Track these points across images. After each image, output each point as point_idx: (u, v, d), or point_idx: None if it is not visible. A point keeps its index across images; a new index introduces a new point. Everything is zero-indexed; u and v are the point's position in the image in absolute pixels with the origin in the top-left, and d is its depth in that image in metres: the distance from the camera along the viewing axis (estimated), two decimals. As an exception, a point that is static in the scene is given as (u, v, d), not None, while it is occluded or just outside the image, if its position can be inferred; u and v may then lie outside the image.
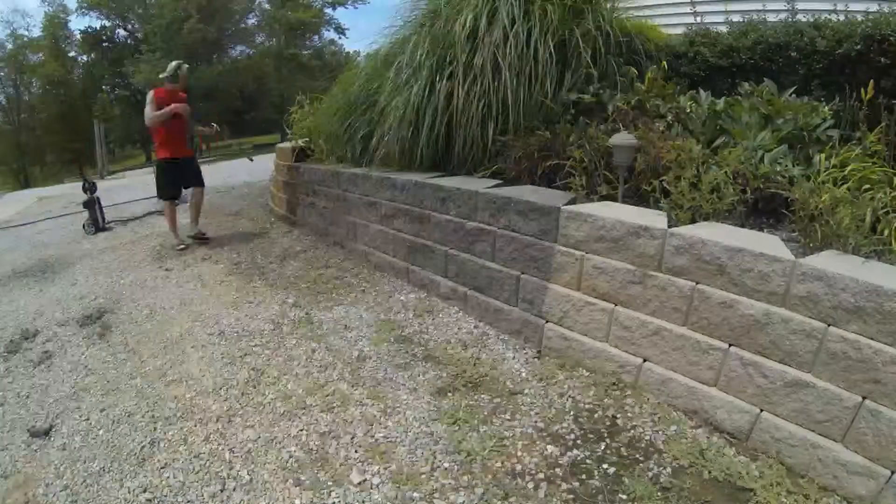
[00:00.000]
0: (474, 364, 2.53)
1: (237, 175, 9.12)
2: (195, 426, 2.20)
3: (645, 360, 2.22)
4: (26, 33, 28.39)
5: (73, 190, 7.95)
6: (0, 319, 3.51)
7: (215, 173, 11.13)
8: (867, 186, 2.09)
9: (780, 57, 3.22)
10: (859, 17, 3.19)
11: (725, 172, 2.25)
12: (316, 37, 29.77)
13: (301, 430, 2.11)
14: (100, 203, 5.86)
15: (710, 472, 1.78)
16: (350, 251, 4.17)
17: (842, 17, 3.35)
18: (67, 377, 2.69)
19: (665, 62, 3.29)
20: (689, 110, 2.85)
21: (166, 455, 2.03)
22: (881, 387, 1.58)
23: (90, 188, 5.77)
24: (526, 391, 2.30)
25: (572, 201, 2.53)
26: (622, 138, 2.56)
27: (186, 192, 4.96)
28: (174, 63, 4.69)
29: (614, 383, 2.29)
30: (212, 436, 2.12)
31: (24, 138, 27.78)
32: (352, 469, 1.88)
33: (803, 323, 1.74)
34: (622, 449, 1.92)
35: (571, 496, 1.72)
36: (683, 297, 2.05)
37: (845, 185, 2.08)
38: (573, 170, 2.70)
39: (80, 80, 28.11)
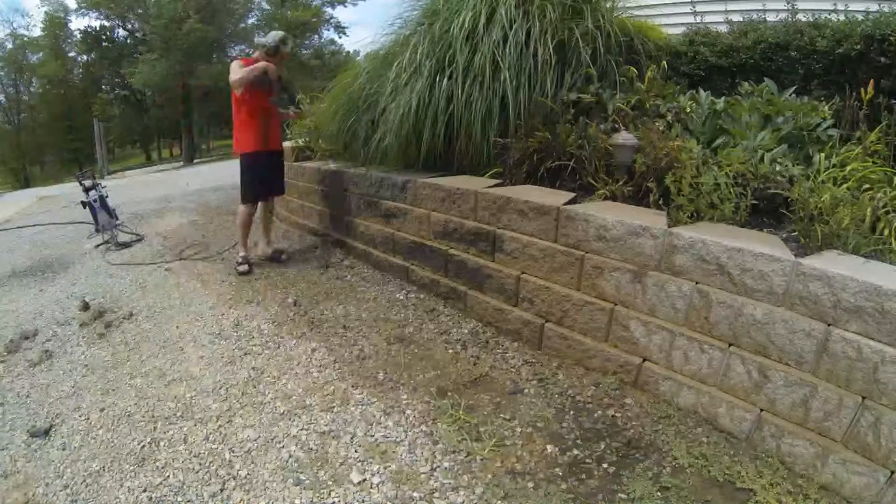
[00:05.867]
0: (474, 364, 2.53)
1: (238, 175, 9.13)
2: (195, 426, 2.20)
3: (644, 360, 2.22)
4: (26, 33, 28.46)
5: (72, 190, 7.95)
6: (0, 319, 3.51)
7: (216, 172, 11.15)
8: (867, 186, 2.09)
9: (780, 57, 3.22)
10: (859, 17, 3.19)
11: (726, 172, 2.25)
12: (316, 36, 29.75)
13: (301, 430, 2.11)
14: (102, 203, 5.83)
15: (709, 472, 1.78)
16: (350, 250, 4.17)
17: (842, 17, 3.35)
18: (67, 377, 2.69)
19: (665, 62, 3.28)
20: (689, 110, 2.85)
21: (166, 455, 2.03)
22: (881, 387, 1.58)
23: (88, 188, 5.74)
24: (526, 391, 2.30)
25: (572, 201, 2.53)
26: (622, 138, 2.56)
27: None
28: (279, 34, 3.83)
29: (614, 383, 2.29)
30: (211, 435, 2.12)
31: (24, 138, 27.81)
32: (352, 469, 1.88)
33: (803, 323, 1.74)
34: (622, 449, 1.92)
35: (571, 496, 1.72)
36: (683, 296, 2.05)
37: (845, 185, 2.08)
38: (574, 169, 2.69)
39: (79, 80, 28.13)
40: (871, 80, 2.46)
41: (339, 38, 30.99)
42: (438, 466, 1.88)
